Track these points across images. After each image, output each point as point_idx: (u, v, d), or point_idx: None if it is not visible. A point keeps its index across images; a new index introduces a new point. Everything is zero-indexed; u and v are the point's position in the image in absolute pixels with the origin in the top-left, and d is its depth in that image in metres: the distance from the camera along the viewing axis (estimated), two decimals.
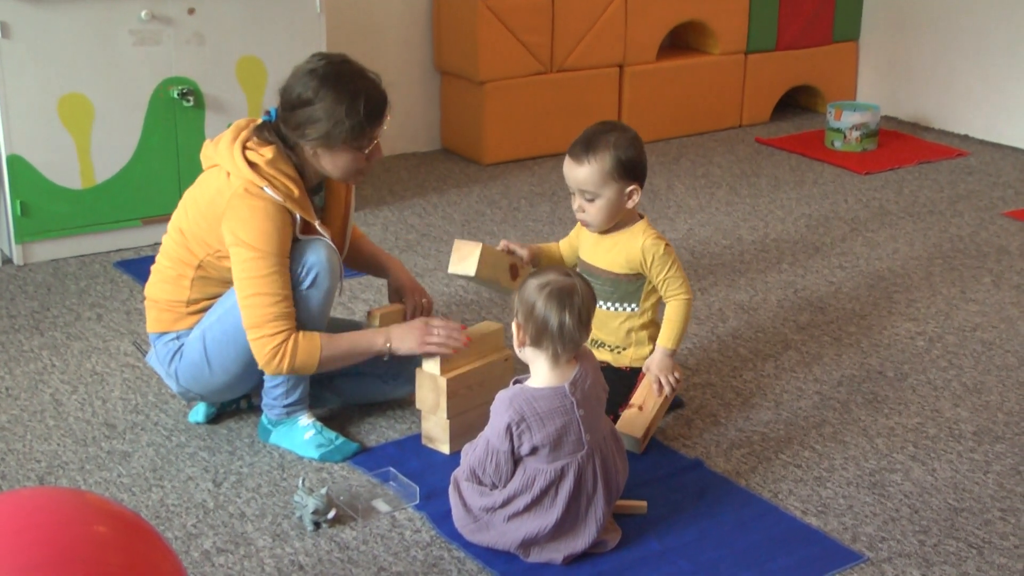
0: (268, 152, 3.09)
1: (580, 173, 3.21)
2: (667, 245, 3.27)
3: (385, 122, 3.18)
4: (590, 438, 2.74)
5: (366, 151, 3.15)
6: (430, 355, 3.16)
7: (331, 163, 3.14)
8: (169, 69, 4.60)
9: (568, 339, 2.72)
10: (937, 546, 2.87)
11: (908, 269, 4.56)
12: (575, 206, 3.27)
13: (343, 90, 3.07)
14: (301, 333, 3.09)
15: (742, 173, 5.75)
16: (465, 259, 3.27)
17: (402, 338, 3.16)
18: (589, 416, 2.74)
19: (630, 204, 3.25)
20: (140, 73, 4.56)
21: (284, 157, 3.12)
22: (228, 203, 3.06)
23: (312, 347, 3.09)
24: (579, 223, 3.42)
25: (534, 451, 2.71)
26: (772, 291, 4.35)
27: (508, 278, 3.37)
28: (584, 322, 2.74)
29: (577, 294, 2.73)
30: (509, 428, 2.69)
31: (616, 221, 3.28)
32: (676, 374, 3.27)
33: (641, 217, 3.32)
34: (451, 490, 2.86)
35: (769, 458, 3.25)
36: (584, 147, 3.21)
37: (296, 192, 3.09)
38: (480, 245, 3.26)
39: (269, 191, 3.05)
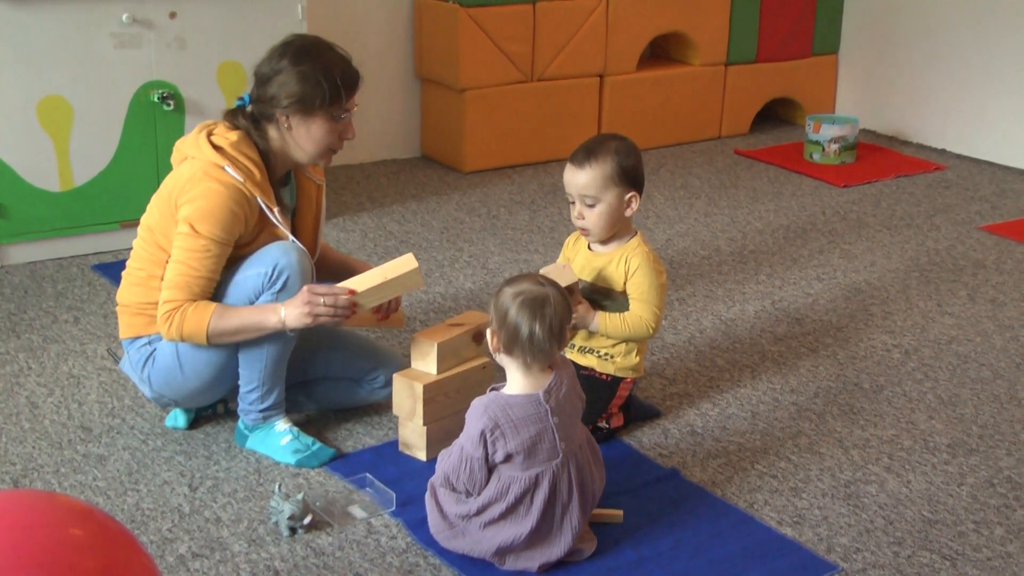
0: (233, 136, 3.12)
1: (582, 178, 3.21)
2: (657, 267, 3.28)
3: (356, 97, 3.19)
4: (565, 446, 2.74)
5: (340, 123, 3.16)
6: (321, 324, 3.07)
7: (306, 133, 3.14)
8: (150, 73, 4.60)
9: (538, 349, 2.72)
10: (911, 557, 2.89)
11: (885, 282, 4.58)
12: (574, 214, 3.27)
13: (318, 58, 3.12)
14: (196, 302, 3.06)
15: (721, 184, 5.76)
16: (425, 357, 3.25)
17: (292, 313, 3.05)
18: (564, 424, 2.75)
19: (629, 212, 3.26)
20: (120, 76, 4.55)
21: (249, 142, 3.14)
22: (187, 183, 3.07)
23: (201, 316, 3.04)
24: (568, 240, 3.43)
25: (508, 458, 2.71)
26: (750, 302, 4.36)
27: (473, 347, 3.35)
28: (556, 333, 2.73)
29: (550, 304, 2.73)
30: (483, 435, 2.70)
31: (615, 230, 3.29)
32: (575, 322, 3.22)
33: (635, 232, 3.33)
34: (428, 496, 2.86)
35: (745, 468, 3.26)
36: (586, 153, 3.23)
37: (257, 175, 3.10)
38: (435, 344, 3.21)
39: (231, 170, 3.05)
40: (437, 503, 2.83)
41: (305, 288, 3.05)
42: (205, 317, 3.04)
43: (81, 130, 4.53)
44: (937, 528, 3.01)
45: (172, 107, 4.63)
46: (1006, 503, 3.13)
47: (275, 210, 3.14)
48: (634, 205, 3.25)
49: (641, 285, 3.26)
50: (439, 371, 3.22)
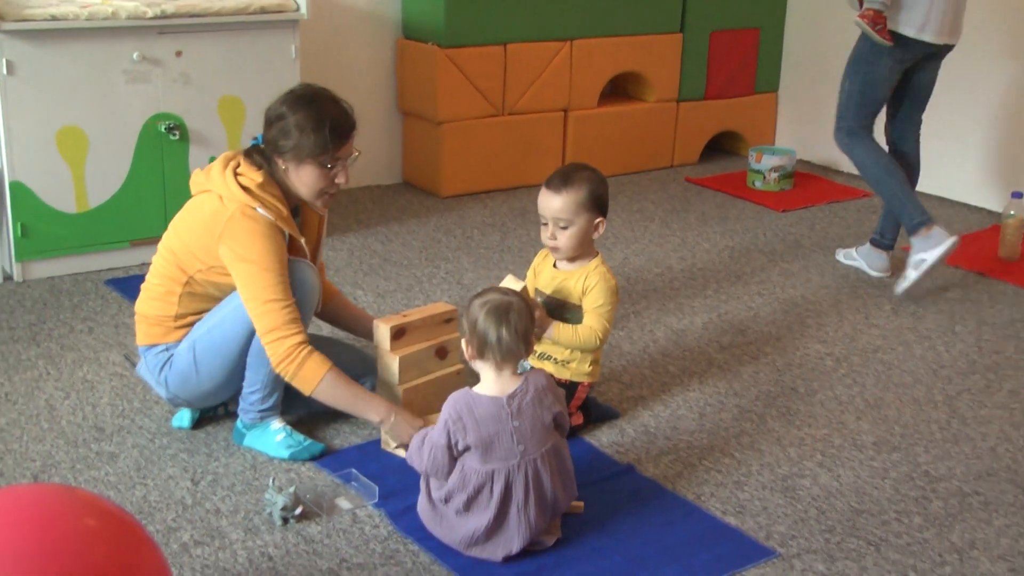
0: (258, 176, 3.10)
1: (557, 202, 3.25)
2: (614, 288, 3.31)
3: (351, 145, 3.17)
4: (523, 449, 2.74)
5: (331, 170, 3.14)
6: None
7: (298, 178, 3.14)
8: (157, 105, 4.59)
9: (507, 350, 2.74)
10: (840, 543, 2.91)
11: (819, 297, 4.61)
12: (546, 235, 3.30)
13: (314, 108, 3.10)
14: (317, 353, 3.06)
15: (673, 209, 5.79)
16: (387, 370, 3.27)
17: (402, 427, 3.12)
18: (524, 429, 2.74)
19: (596, 235, 3.30)
20: (131, 109, 4.54)
21: (272, 180, 3.14)
22: (226, 225, 3.05)
23: (316, 373, 3.04)
24: (537, 257, 3.45)
25: (468, 449, 2.73)
26: (698, 315, 4.39)
27: (436, 361, 3.37)
28: (521, 335, 2.76)
29: (513, 310, 2.77)
30: (446, 423, 2.72)
31: (582, 251, 3.31)
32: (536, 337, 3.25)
33: (597, 254, 3.36)
34: (421, 480, 2.86)
35: (693, 464, 3.28)
36: (562, 180, 3.27)
37: (284, 212, 3.11)
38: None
39: (262, 211, 3.05)
40: (427, 484, 2.83)
41: (424, 421, 3.14)
42: (319, 375, 3.04)
43: (96, 157, 4.52)
44: (863, 517, 3.04)
45: (178, 137, 4.63)
46: (924, 495, 3.16)
47: (302, 241, 3.18)
48: (601, 229, 3.30)
49: (596, 300, 3.29)
50: (401, 382, 3.24)
